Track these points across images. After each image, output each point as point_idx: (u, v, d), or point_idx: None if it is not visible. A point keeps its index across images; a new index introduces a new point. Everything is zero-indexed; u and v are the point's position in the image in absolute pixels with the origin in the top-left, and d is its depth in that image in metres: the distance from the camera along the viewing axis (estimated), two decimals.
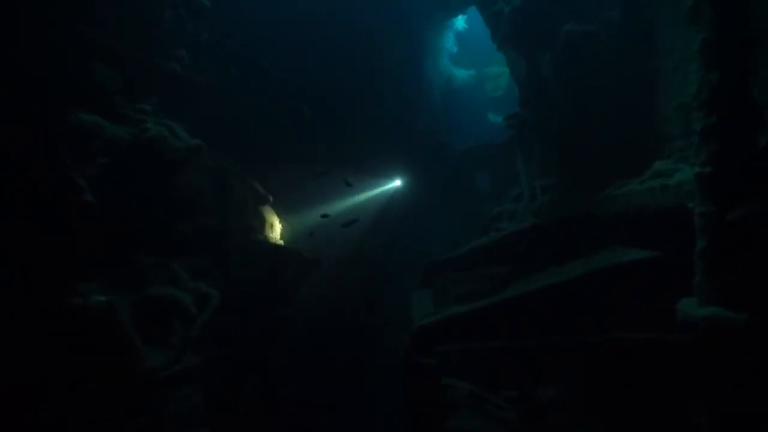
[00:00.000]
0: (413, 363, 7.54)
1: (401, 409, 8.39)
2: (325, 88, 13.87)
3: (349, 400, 16.68)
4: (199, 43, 9.86)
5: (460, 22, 24.23)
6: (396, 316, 15.39)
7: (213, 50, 10.43)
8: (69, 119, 6.05)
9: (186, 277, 7.54)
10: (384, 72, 16.40)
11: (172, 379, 7.71)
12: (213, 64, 10.44)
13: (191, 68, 9.21)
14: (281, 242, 14.59)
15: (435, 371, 7.44)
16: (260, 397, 12.92)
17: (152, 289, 6.74)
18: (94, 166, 6.30)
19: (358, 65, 15.19)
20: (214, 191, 9.85)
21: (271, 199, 14.54)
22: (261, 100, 12.15)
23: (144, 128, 7.16)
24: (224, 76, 10.83)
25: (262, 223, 13.93)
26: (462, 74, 25.24)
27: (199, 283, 7.70)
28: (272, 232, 14.84)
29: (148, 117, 7.52)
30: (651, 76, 8.58)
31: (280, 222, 14.84)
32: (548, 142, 12.79)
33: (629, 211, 6.91)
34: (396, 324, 14.76)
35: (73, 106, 6.25)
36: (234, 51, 11.42)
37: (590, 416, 6.78)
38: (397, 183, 17.69)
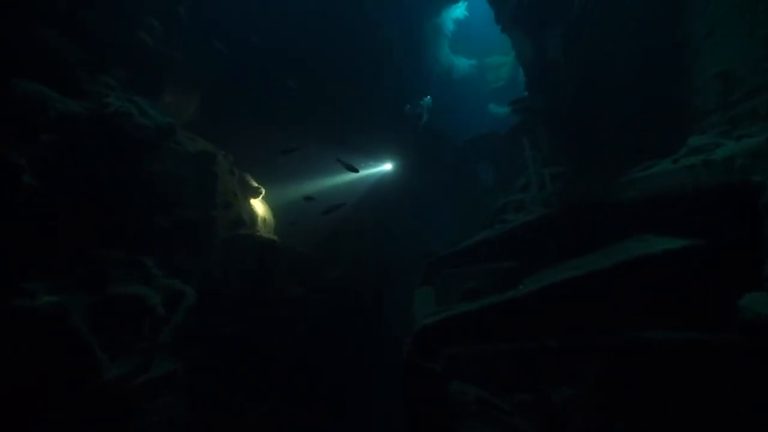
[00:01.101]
0: (415, 367, 6.73)
1: (402, 412, 7.65)
2: (317, 66, 12.99)
3: (350, 400, 16.08)
4: (178, 15, 8.93)
5: (460, 9, 23.40)
6: (396, 316, 14.65)
7: (196, 24, 9.48)
8: (9, 90, 5.18)
9: (158, 273, 6.69)
10: (379, 54, 15.58)
11: (145, 389, 6.89)
12: (195, 39, 9.49)
13: (168, 42, 8.28)
14: (274, 237, 13.77)
15: (440, 376, 6.65)
16: (257, 398, 12.18)
17: (115, 288, 5.89)
18: (39, 144, 5.42)
19: (353, 46, 14.35)
20: (197, 181, 8.99)
21: (263, 191, 13.72)
22: (248, 79, 11.23)
23: (104, 103, 6.27)
24: (208, 53, 9.89)
25: (252, 217, 13.09)
26: (463, 64, 24.44)
27: (174, 280, 6.85)
28: (264, 225, 14.01)
29: (112, 92, 6.62)
30: (676, 46, 7.74)
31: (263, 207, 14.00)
32: (557, 127, 12.05)
33: (660, 193, 6.08)
34: (396, 323, 14.01)
35: (15, 75, 5.37)
36: (219, 26, 10.45)
37: (614, 424, 6.00)
38: (387, 167, 16.76)
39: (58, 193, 5.40)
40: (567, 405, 6.58)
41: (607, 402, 6.06)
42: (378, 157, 16.70)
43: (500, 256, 9.94)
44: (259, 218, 13.63)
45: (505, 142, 15.82)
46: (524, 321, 6.26)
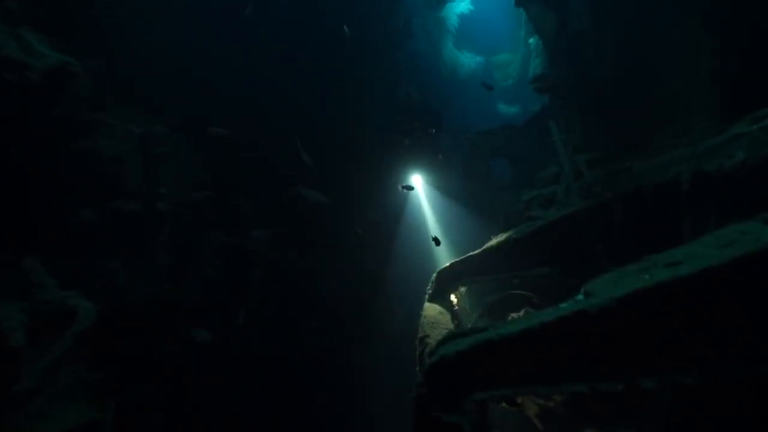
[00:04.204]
0: (431, 421, 4.50)
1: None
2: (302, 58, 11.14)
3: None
4: None
5: (464, 3, 21.89)
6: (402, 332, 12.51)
7: None
8: None
9: (50, 282, 4.58)
10: (372, 50, 13.86)
11: None
12: None
13: None
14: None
15: None
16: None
17: None
18: None
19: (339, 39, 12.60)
20: (140, 164, 7.00)
21: None
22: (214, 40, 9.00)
23: None
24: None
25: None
26: (468, 61, 22.88)
27: (69, 292, 4.73)
28: None
29: None
30: None
31: None
32: (591, 105, 10.10)
33: None
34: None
35: None
36: None
37: None
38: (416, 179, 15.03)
39: None
40: None
41: None
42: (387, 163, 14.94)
43: (530, 260, 7.98)
44: None
45: (523, 134, 13.93)
46: (598, 347, 4.08)
